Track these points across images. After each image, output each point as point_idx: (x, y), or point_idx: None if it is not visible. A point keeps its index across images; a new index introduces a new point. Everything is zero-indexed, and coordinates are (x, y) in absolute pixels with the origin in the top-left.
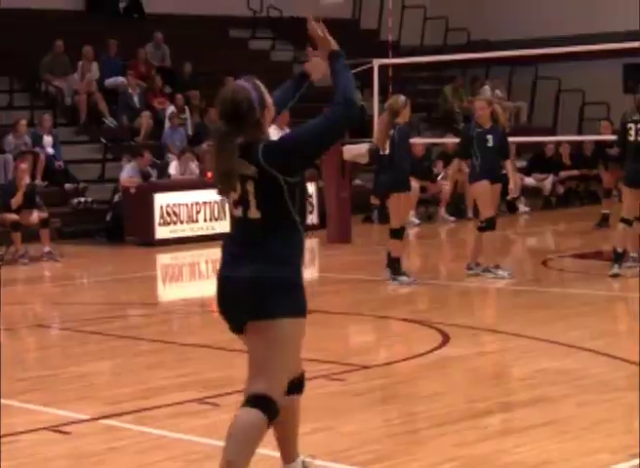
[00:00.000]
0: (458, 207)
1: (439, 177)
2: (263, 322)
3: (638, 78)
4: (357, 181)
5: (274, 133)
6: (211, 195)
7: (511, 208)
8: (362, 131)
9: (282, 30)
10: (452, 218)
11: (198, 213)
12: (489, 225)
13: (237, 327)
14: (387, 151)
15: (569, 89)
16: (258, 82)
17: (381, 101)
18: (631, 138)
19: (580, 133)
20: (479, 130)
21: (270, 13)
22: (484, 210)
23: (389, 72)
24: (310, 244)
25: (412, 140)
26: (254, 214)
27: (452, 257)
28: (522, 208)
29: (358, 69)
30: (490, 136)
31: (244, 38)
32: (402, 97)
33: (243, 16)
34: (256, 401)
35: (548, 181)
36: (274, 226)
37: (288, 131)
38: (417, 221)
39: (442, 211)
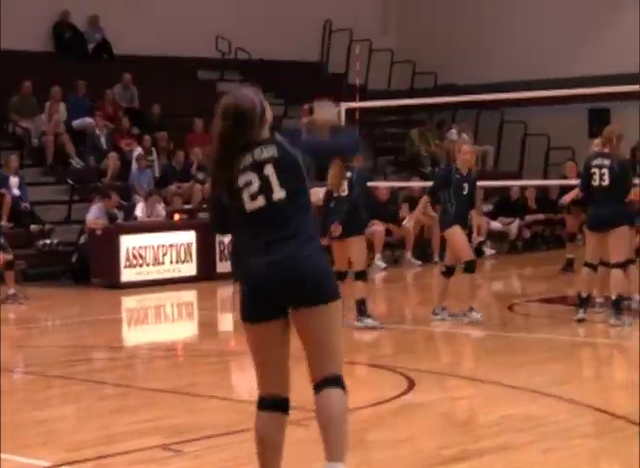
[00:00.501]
0: (424, 250)
1: (404, 221)
2: (321, 306)
3: (603, 123)
4: None
5: None
6: (177, 237)
7: (477, 252)
8: (320, 174)
9: (250, 72)
10: (418, 262)
11: (164, 255)
12: (469, 268)
13: (274, 314)
14: (345, 193)
15: (535, 133)
16: (257, 88)
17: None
18: (595, 183)
19: (545, 177)
20: (458, 176)
21: (239, 55)
22: (463, 253)
23: (357, 116)
24: None
25: (378, 184)
26: (278, 194)
27: (418, 301)
28: (488, 252)
29: None
30: (466, 185)
31: (212, 80)
32: None
33: (211, 57)
34: (336, 381)
35: (514, 225)
36: (299, 204)
37: None
38: (383, 265)
39: (408, 254)
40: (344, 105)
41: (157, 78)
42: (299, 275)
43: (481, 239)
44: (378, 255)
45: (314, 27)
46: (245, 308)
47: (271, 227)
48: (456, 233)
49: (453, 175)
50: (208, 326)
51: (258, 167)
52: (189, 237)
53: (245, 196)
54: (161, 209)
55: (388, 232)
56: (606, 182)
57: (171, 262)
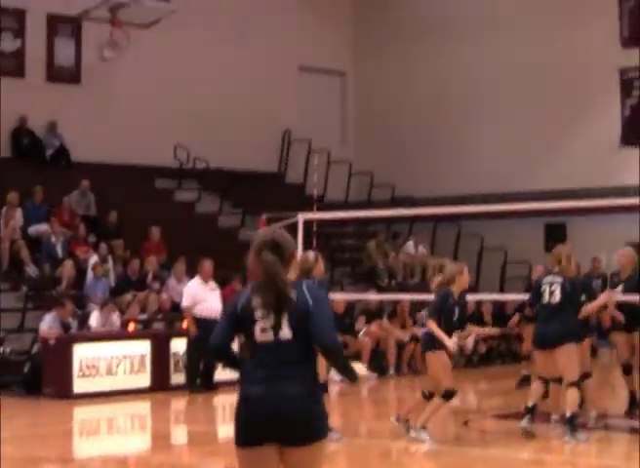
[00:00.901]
0: (379, 363)
1: (361, 333)
2: (315, 444)
3: (559, 238)
4: None
5: (199, 283)
6: (132, 348)
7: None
8: None
9: (208, 182)
10: (373, 375)
11: (118, 365)
12: (448, 396)
13: (260, 443)
14: None
15: (491, 247)
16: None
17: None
18: (544, 300)
19: (502, 291)
20: (452, 301)
21: (197, 164)
22: (445, 379)
23: (314, 227)
24: (232, 400)
25: (334, 296)
26: (286, 335)
27: (373, 415)
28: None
29: (283, 223)
30: (457, 309)
31: (170, 188)
32: (311, 254)
33: (169, 166)
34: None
35: (470, 340)
36: (305, 347)
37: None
38: (338, 378)
39: (364, 367)
40: (302, 216)
41: (114, 186)
42: (290, 414)
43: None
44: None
45: (273, 137)
46: (239, 433)
47: (276, 362)
48: (442, 358)
49: (449, 300)
50: (161, 438)
51: (278, 302)
52: (144, 347)
53: (257, 327)
54: (116, 318)
55: (344, 344)
56: (556, 300)
57: (124, 373)
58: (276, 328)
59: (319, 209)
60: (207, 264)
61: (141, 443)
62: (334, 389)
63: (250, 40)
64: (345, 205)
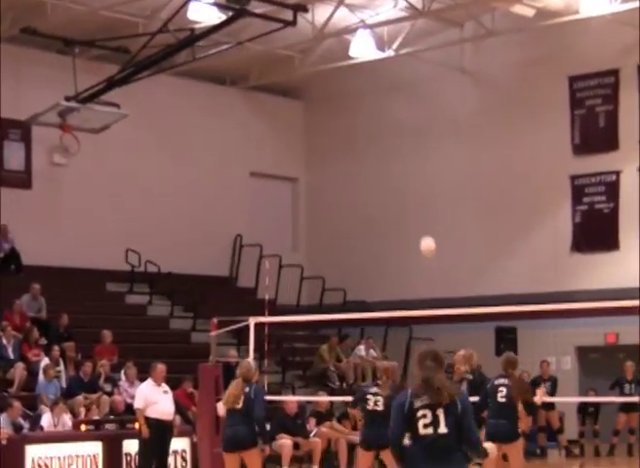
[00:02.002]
0: (330, 464)
1: (312, 435)
2: None
3: (510, 341)
4: None
5: (151, 385)
6: (83, 448)
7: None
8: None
9: (159, 285)
10: None
11: (70, 465)
12: None
13: None
14: (240, 406)
15: (443, 350)
16: None
17: (257, 359)
18: (497, 399)
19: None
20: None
21: (148, 268)
22: None
23: (265, 330)
24: None
25: (286, 398)
26: (442, 430)
27: None
28: None
29: (234, 327)
30: None
31: (121, 292)
32: (251, 363)
33: (121, 270)
34: None
35: None
36: (456, 441)
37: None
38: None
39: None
40: (253, 320)
41: (66, 289)
42: None
43: None
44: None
45: (225, 242)
46: None
47: (435, 453)
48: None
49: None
50: None
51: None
52: (95, 448)
53: (421, 423)
54: (67, 419)
55: (296, 446)
56: (504, 399)
57: None
58: (434, 423)
59: (270, 313)
60: (159, 367)
61: None
62: None
63: (202, 146)
64: (297, 309)
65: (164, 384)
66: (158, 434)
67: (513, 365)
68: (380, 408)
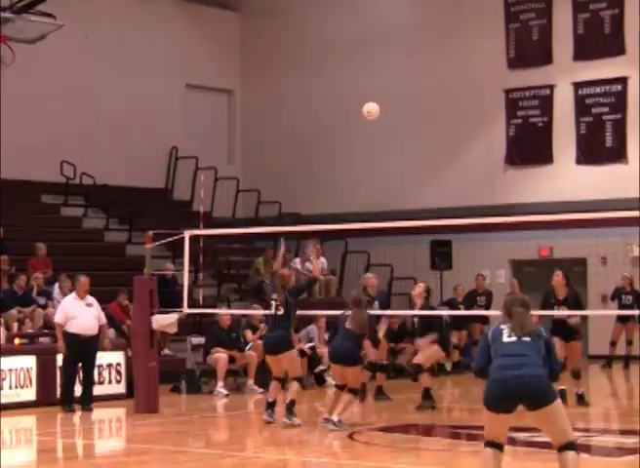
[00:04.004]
0: (265, 378)
1: (247, 348)
2: (549, 404)
3: (444, 255)
4: (166, 351)
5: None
6: (17, 362)
7: (319, 380)
8: (172, 301)
9: (94, 198)
10: (260, 390)
11: (3, 379)
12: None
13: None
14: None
15: (378, 263)
16: None
17: (192, 271)
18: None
19: (388, 307)
20: None
21: (83, 180)
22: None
23: (201, 243)
24: (117, 413)
25: (219, 311)
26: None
27: (258, 429)
28: (330, 380)
29: (169, 239)
30: None
31: (56, 204)
32: None
33: (56, 182)
34: (573, 445)
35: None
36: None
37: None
38: (224, 392)
39: (251, 382)
40: (188, 232)
41: (0, 201)
42: (532, 383)
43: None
44: (220, 383)
45: (160, 154)
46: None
47: (519, 354)
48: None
49: None
50: (47, 452)
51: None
52: (29, 362)
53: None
54: (1, 333)
55: (231, 359)
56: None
57: (10, 387)
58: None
59: (206, 225)
60: (82, 280)
61: (27, 456)
62: (220, 403)
63: (138, 57)
64: (232, 221)
65: (89, 297)
66: (78, 349)
67: (358, 304)
68: (281, 312)
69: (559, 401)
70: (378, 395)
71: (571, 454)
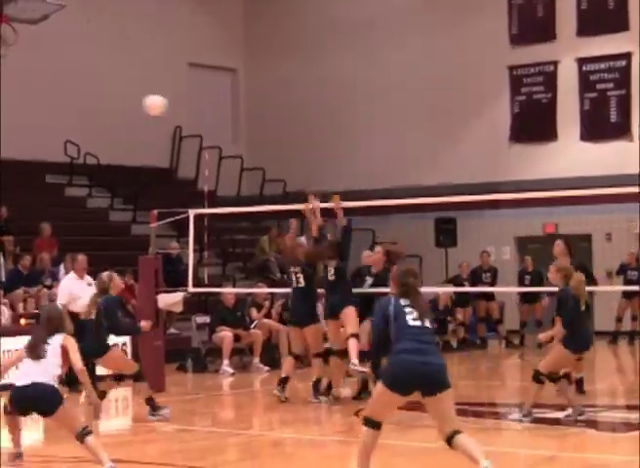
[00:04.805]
0: (272, 356)
1: (252, 326)
2: (446, 391)
3: (449, 232)
4: (172, 330)
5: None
6: (23, 342)
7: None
8: (177, 280)
9: (98, 177)
10: (266, 368)
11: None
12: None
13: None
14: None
15: (383, 241)
16: None
17: (197, 250)
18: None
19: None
20: None
21: (87, 160)
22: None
23: (205, 222)
24: (123, 392)
25: (223, 290)
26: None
27: (264, 407)
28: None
29: (174, 218)
30: None
31: (61, 184)
32: (105, 275)
33: (60, 162)
34: (459, 433)
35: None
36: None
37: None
38: (230, 370)
39: (256, 360)
40: (193, 211)
41: (4, 181)
42: (436, 370)
43: None
44: (225, 361)
45: (164, 133)
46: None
47: (424, 341)
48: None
49: None
50: (53, 431)
51: None
52: None
53: (411, 316)
54: (7, 313)
55: (236, 338)
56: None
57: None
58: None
59: (211, 204)
60: (80, 258)
61: (33, 435)
62: (225, 382)
63: (140, 36)
64: (237, 200)
65: (87, 277)
66: (82, 328)
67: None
68: (302, 284)
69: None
70: None
71: (464, 435)
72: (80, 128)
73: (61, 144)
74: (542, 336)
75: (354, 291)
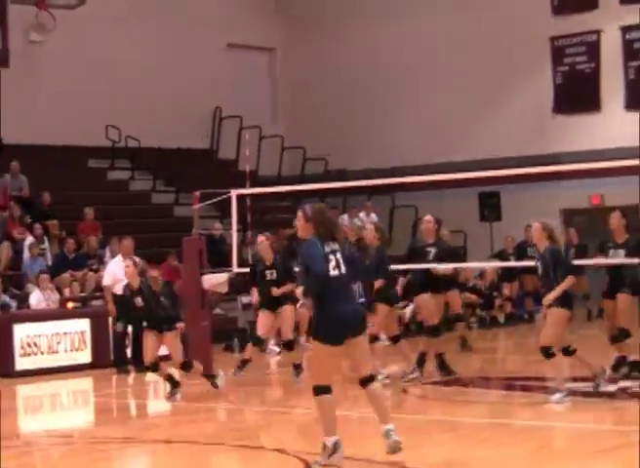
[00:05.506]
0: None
1: (298, 305)
2: (362, 336)
3: (493, 206)
4: (217, 310)
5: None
6: (71, 326)
7: (371, 339)
8: (222, 261)
9: (140, 160)
10: (309, 345)
11: (59, 343)
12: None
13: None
14: None
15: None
16: None
17: (240, 230)
18: None
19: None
20: None
21: (129, 143)
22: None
23: (247, 202)
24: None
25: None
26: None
27: (309, 385)
28: (382, 337)
29: (216, 199)
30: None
31: (103, 168)
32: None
33: (102, 146)
34: (372, 378)
35: (408, 309)
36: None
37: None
38: (277, 349)
39: (302, 339)
40: (235, 192)
41: (47, 167)
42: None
43: None
44: (272, 341)
45: (204, 115)
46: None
47: (345, 288)
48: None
49: None
50: (104, 413)
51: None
52: (83, 325)
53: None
54: (54, 297)
55: None
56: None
57: (65, 351)
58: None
59: (252, 184)
60: (125, 242)
61: (85, 418)
62: (273, 360)
63: (178, 18)
64: (278, 180)
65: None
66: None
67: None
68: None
69: None
70: (463, 345)
71: (377, 385)
72: (121, 111)
73: (103, 128)
74: (547, 299)
75: (416, 267)
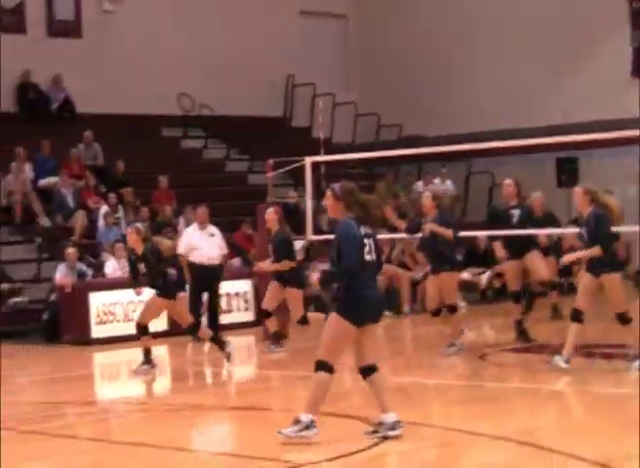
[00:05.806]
0: (393, 302)
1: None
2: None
3: (571, 172)
4: None
5: (195, 230)
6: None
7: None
8: (296, 229)
9: (213, 129)
10: (388, 314)
11: (134, 311)
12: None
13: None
14: None
15: (502, 183)
16: None
17: (315, 198)
18: None
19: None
20: None
21: (202, 112)
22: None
23: (322, 169)
24: (247, 341)
25: None
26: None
27: (389, 353)
28: (458, 302)
29: (290, 167)
30: None
31: (176, 137)
32: None
33: (175, 114)
34: (374, 368)
35: (485, 276)
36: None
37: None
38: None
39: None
40: (309, 159)
41: (121, 136)
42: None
43: None
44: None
45: (277, 83)
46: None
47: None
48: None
49: None
50: (180, 380)
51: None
52: None
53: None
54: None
55: None
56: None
57: None
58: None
59: (326, 152)
60: (200, 210)
61: (161, 385)
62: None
63: None
64: (352, 147)
65: (211, 226)
66: (203, 278)
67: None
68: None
69: None
70: (554, 314)
71: (382, 375)
72: (193, 80)
73: (175, 97)
74: (567, 258)
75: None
